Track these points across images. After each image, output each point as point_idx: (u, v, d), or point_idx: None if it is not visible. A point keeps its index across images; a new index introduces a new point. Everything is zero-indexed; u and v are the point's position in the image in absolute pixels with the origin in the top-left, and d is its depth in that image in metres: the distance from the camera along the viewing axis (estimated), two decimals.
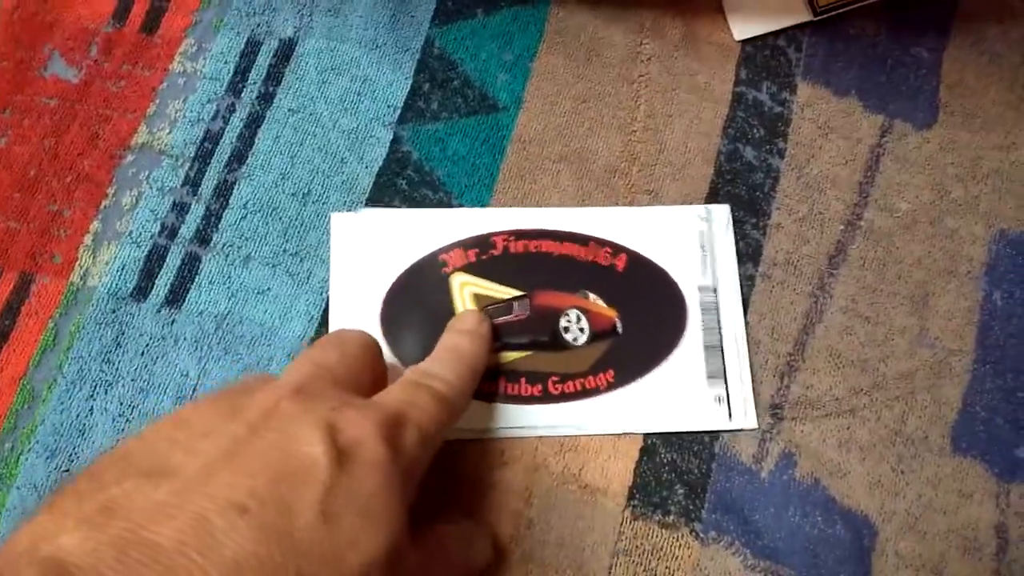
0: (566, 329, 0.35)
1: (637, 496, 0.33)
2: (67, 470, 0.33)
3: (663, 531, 0.33)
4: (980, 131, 0.38)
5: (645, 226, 0.36)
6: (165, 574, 0.19)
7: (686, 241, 0.36)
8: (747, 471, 0.33)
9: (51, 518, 0.21)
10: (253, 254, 0.36)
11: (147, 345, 0.35)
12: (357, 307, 0.35)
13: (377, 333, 0.35)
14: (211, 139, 0.38)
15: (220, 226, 0.36)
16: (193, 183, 0.37)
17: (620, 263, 0.36)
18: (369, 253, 0.36)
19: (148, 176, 0.37)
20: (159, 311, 0.35)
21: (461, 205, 0.37)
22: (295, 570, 0.21)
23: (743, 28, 0.39)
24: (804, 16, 0.38)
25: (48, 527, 0.20)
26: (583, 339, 0.35)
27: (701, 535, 0.33)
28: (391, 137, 0.38)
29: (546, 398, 0.34)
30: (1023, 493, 0.33)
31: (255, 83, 0.39)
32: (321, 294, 0.36)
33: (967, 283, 0.36)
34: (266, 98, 0.38)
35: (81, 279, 0.36)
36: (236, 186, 0.37)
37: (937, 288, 0.36)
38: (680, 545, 0.32)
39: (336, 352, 0.28)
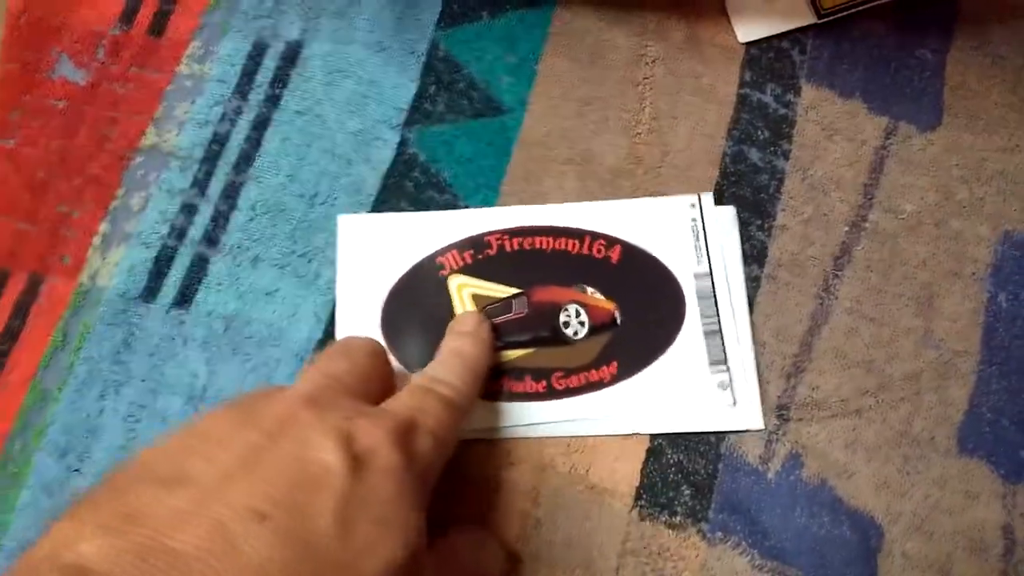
0: (566, 324, 0.35)
1: (644, 496, 0.33)
2: (77, 469, 0.33)
3: (670, 531, 0.33)
4: (984, 133, 0.38)
5: (637, 217, 0.36)
6: None
7: (678, 230, 0.36)
8: (754, 472, 0.33)
9: (71, 525, 0.21)
10: (261, 255, 0.36)
11: (156, 345, 0.35)
12: (362, 309, 0.35)
13: (379, 335, 0.35)
14: (219, 141, 0.38)
15: (228, 228, 0.37)
16: (201, 185, 0.37)
17: (615, 255, 0.36)
18: (374, 256, 0.36)
19: (156, 178, 0.37)
20: (168, 312, 0.35)
21: (468, 207, 0.37)
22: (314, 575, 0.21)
23: (747, 30, 0.39)
24: (808, 19, 0.38)
25: (68, 534, 0.20)
26: (583, 332, 0.35)
27: (708, 535, 0.33)
28: (398, 139, 0.38)
29: (551, 394, 0.34)
30: None
31: (262, 85, 0.39)
32: (328, 295, 0.36)
33: (972, 284, 0.36)
34: (273, 100, 0.39)
35: (90, 280, 0.36)
36: (244, 188, 0.37)
37: (942, 289, 0.36)
38: (687, 545, 0.32)
39: (345, 361, 0.28)
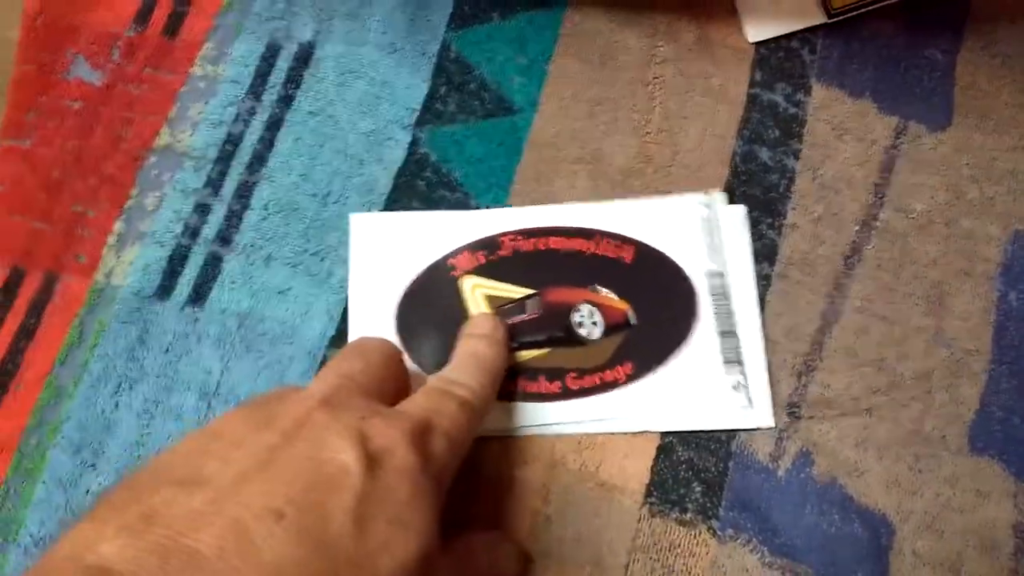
0: (580, 324, 0.35)
1: (654, 494, 0.33)
2: (92, 465, 0.34)
3: (680, 528, 0.33)
4: (994, 133, 0.38)
5: (649, 217, 0.36)
6: None
7: (690, 229, 0.36)
8: (764, 469, 0.33)
9: (91, 526, 0.21)
10: (274, 254, 0.37)
11: (171, 343, 0.35)
12: (375, 308, 0.35)
13: (393, 336, 0.35)
14: (232, 141, 0.38)
15: (241, 227, 0.37)
16: (215, 185, 0.38)
17: (627, 255, 0.36)
18: (386, 255, 0.36)
19: (171, 178, 0.38)
20: (182, 310, 0.36)
21: (479, 206, 0.37)
22: (332, 575, 0.21)
23: (757, 31, 0.39)
24: (818, 18, 0.39)
25: (89, 535, 0.21)
26: (597, 333, 0.35)
27: (718, 532, 0.33)
28: (409, 139, 0.38)
29: (566, 394, 0.34)
30: None
31: (275, 86, 0.39)
32: (341, 294, 0.36)
33: (983, 283, 0.36)
34: (286, 101, 0.39)
35: (105, 278, 0.36)
36: (257, 187, 0.38)
37: (953, 288, 0.36)
38: (697, 542, 0.33)
39: (360, 362, 0.28)
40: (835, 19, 0.38)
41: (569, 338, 0.35)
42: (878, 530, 0.33)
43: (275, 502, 0.22)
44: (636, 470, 0.34)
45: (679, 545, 0.32)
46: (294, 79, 0.39)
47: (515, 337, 0.35)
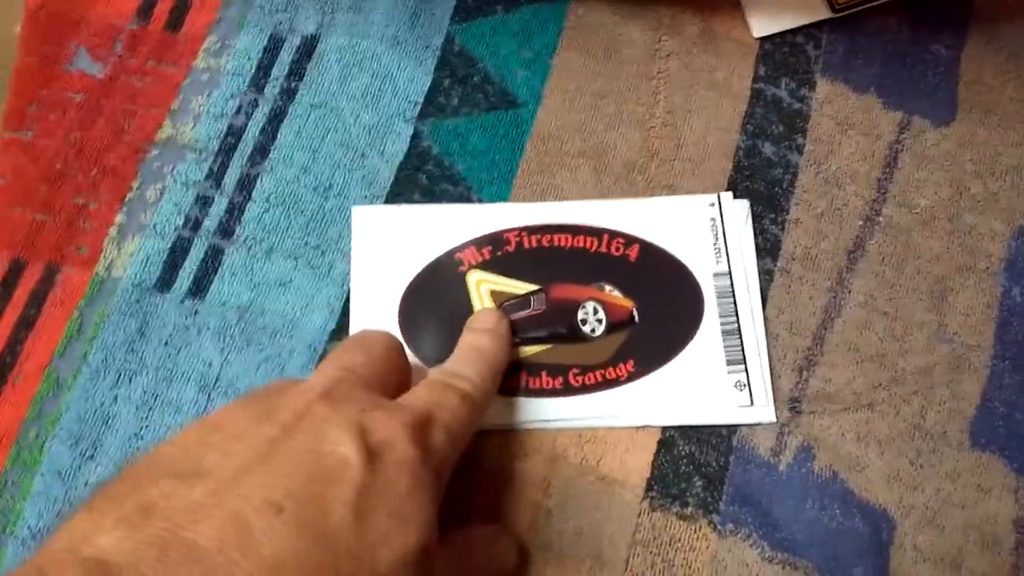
0: (583, 321, 0.35)
1: (655, 488, 0.33)
2: (91, 457, 0.34)
3: (681, 522, 0.33)
4: (998, 128, 0.38)
5: (656, 216, 0.36)
6: (206, 573, 0.19)
7: (697, 229, 0.36)
8: (765, 464, 0.33)
9: (89, 517, 0.21)
10: (275, 247, 0.36)
11: (171, 335, 0.35)
12: (377, 302, 0.35)
13: (396, 329, 0.35)
14: (234, 134, 0.38)
15: (243, 219, 0.37)
16: (216, 177, 0.38)
17: (633, 253, 0.36)
18: (388, 248, 0.36)
19: (172, 170, 0.38)
20: (183, 302, 0.36)
21: (481, 200, 0.37)
22: (332, 567, 0.21)
23: (762, 25, 0.39)
24: (823, 13, 0.38)
25: (87, 527, 0.20)
26: (601, 330, 0.35)
27: (719, 527, 0.33)
28: (411, 132, 0.38)
29: (568, 390, 0.34)
30: None
31: (278, 79, 0.39)
32: (342, 287, 0.36)
33: (986, 279, 0.36)
34: (288, 93, 0.39)
35: (106, 270, 0.36)
36: (258, 180, 0.38)
37: (956, 284, 0.36)
38: (698, 537, 0.32)
39: (361, 355, 0.28)
40: (840, 14, 0.38)
41: (572, 335, 0.35)
42: (879, 525, 0.33)
43: (275, 495, 0.21)
44: (637, 464, 0.33)
45: (679, 539, 0.32)
46: (297, 72, 0.39)
47: (518, 332, 0.35)
